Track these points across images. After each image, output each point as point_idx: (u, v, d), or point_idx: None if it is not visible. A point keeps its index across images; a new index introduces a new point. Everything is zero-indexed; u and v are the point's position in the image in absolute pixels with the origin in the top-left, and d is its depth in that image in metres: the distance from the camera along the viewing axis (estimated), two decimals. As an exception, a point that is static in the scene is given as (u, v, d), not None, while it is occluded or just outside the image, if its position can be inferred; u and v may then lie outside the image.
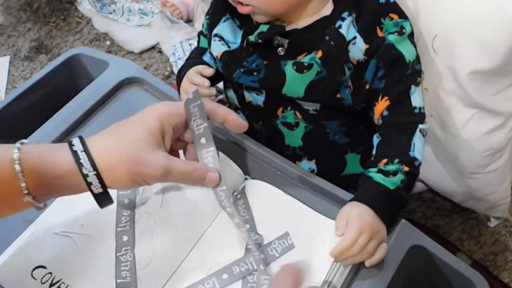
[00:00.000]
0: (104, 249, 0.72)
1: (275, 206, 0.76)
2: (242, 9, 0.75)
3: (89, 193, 0.67)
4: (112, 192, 0.72)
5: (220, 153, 0.80)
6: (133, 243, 0.72)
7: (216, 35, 0.82)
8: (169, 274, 0.70)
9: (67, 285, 0.69)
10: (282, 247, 0.72)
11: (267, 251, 0.71)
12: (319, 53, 0.74)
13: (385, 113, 0.77)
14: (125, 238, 0.72)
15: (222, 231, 0.74)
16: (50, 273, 0.70)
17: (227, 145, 0.83)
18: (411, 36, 0.76)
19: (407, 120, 0.76)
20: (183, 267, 0.71)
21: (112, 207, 0.74)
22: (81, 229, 0.74)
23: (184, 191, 0.77)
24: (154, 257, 0.71)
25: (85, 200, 0.77)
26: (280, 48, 0.77)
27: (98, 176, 0.59)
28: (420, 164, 0.75)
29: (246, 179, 0.80)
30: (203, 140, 0.68)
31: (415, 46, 0.77)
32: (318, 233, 0.73)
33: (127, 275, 0.69)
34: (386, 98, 0.76)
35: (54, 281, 0.69)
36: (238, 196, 0.77)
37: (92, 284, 0.69)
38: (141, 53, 1.60)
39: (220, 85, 0.91)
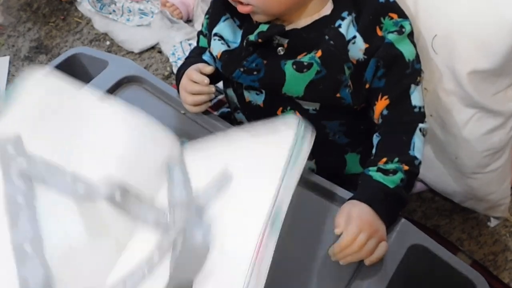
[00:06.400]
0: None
1: (217, 155, 0.69)
2: (242, 9, 0.75)
3: None
4: None
5: (149, 118, 0.72)
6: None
7: (216, 34, 0.82)
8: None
9: None
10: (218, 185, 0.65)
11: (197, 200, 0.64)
12: (319, 53, 0.74)
13: (385, 112, 0.77)
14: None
15: None
16: None
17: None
18: (410, 35, 0.76)
19: (407, 119, 0.76)
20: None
21: None
22: None
23: None
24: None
25: None
26: (280, 48, 0.77)
27: None
28: (420, 163, 0.74)
29: (184, 142, 0.74)
30: None
31: (414, 46, 0.77)
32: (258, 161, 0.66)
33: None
34: (386, 97, 0.76)
35: None
36: (175, 167, 0.69)
37: None
38: (141, 53, 1.60)
39: (220, 84, 0.90)
